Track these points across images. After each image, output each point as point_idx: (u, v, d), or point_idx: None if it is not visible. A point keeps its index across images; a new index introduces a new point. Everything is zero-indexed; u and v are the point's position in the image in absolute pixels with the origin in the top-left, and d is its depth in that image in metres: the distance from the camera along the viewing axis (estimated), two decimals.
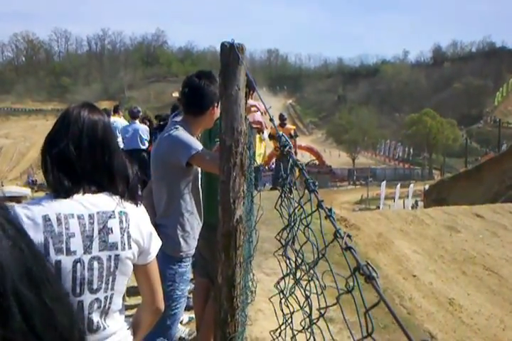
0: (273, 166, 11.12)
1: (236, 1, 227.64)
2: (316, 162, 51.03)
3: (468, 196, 14.20)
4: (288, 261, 1.23)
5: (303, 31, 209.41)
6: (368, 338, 0.71)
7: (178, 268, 2.33)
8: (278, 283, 1.34)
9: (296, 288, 1.21)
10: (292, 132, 9.41)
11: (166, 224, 2.32)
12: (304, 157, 52.12)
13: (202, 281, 2.92)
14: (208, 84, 2.32)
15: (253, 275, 2.31)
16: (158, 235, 2.22)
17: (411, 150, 63.11)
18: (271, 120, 1.73)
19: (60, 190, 1.28)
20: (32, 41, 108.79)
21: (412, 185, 29.82)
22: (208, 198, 2.49)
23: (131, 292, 2.92)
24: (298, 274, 1.18)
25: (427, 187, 21.49)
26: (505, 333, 5.28)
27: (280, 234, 1.33)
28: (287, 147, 1.24)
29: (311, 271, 1.04)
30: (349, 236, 0.82)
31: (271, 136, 9.24)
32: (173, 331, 2.43)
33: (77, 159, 1.30)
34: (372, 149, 65.51)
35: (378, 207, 24.60)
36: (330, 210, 0.91)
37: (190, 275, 2.92)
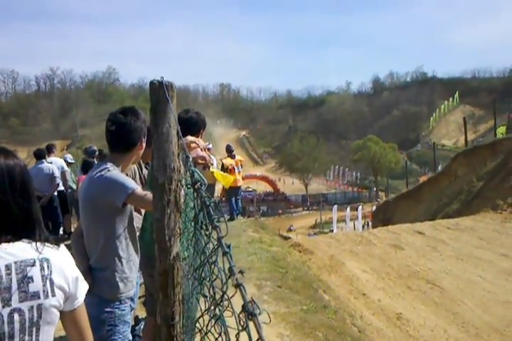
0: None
1: (187, 38, 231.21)
2: (271, 189, 51.42)
3: (410, 214, 14.72)
4: (207, 298, 1.18)
5: (253, 66, 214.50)
6: None
7: (117, 310, 2.17)
8: (197, 321, 1.31)
9: (217, 325, 1.14)
10: (240, 163, 9.46)
11: (101, 267, 2.18)
12: (259, 185, 52.51)
13: (151, 320, 2.72)
14: (135, 119, 2.23)
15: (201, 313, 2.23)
16: (94, 279, 2.11)
17: (358, 174, 65.06)
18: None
19: None
20: None
21: (360, 207, 30.50)
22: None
23: None
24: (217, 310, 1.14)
25: (374, 208, 22.07)
26: None
27: (197, 272, 1.31)
28: (198, 183, 1.25)
29: (217, 310, 1.00)
30: (241, 272, 0.81)
31: (224, 170, 9.29)
32: None
33: None
34: (323, 175, 66.87)
35: (332, 230, 24.95)
36: (228, 247, 0.91)
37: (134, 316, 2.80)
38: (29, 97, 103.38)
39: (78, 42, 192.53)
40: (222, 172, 3.91)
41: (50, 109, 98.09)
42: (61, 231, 7.61)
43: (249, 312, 0.71)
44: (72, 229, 7.59)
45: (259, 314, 0.71)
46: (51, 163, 7.25)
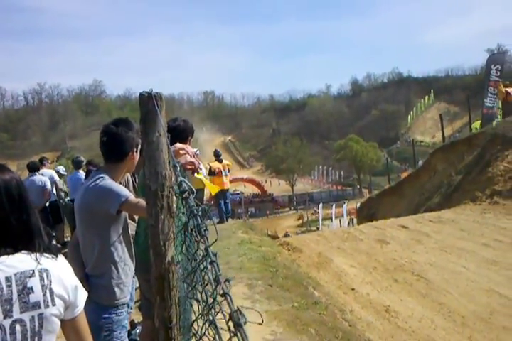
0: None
1: (169, 49, 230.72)
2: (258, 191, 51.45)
3: (394, 209, 14.84)
4: (200, 302, 1.16)
5: (236, 73, 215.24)
6: None
7: (114, 316, 2.18)
8: (191, 325, 1.30)
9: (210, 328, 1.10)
10: (227, 167, 9.51)
11: (98, 274, 2.19)
12: (246, 188, 52.51)
13: (148, 323, 2.71)
14: (126, 130, 2.25)
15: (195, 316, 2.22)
16: (91, 286, 2.11)
17: (342, 173, 65.56)
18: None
19: None
20: None
21: (345, 205, 30.68)
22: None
23: None
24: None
25: (358, 205, 22.21)
26: (437, 332, 5.48)
27: (191, 277, 1.30)
28: (186, 193, 1.25)
29: (210, 315, 0.99)
30: (228, 281, 0.80)
31: (212, 173, 9.30)
32: None
33: None
34: (308, 175, 67.18)
35: (318, 228, 25.05)
36: (215, 255, 0.90)
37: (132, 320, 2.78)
38: (18, 112, 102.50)
39: (64, 58, 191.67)
40: (209, 182, 3.91)
41: (39, 122, 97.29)
42: (54, 241, 7.58)
43: (235, 322, 0.71)
44: (66, 239, 7.52)
45: (245, 323, 0.70)
46: (42, 174, 7.24)
